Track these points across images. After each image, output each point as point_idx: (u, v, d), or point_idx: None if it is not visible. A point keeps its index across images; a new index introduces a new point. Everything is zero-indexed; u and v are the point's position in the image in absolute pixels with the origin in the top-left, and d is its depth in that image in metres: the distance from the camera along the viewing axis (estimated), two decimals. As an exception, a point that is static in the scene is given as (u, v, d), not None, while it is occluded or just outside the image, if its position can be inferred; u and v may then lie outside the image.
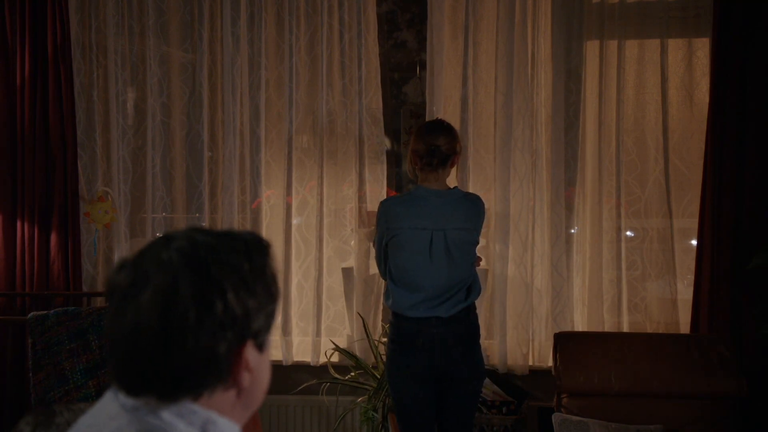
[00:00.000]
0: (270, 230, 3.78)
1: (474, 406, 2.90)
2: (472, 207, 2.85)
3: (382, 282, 3.73)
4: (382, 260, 2.90)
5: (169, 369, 0.93)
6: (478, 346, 2.85)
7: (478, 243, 2.89)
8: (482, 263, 3.45)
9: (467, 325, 2.80)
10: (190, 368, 0.93)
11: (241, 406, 1.01)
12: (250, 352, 0.98)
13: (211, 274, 0.94)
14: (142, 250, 0.98)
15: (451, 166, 2.86)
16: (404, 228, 2.78)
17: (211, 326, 0.93)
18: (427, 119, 3.66)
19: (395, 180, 3.95)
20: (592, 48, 3.66)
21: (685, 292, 3.63)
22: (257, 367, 1.00)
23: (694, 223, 3.54)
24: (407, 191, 2.92)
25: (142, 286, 0.94)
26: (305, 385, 3.69)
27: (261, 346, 1.00)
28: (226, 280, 0.95)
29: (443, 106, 3.66)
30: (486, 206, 3.61)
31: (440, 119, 2.97)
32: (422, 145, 2.81)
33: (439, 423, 2.88)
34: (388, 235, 2.83)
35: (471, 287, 2.82)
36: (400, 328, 2.79)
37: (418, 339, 2.75)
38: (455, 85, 3.68)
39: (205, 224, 3.77)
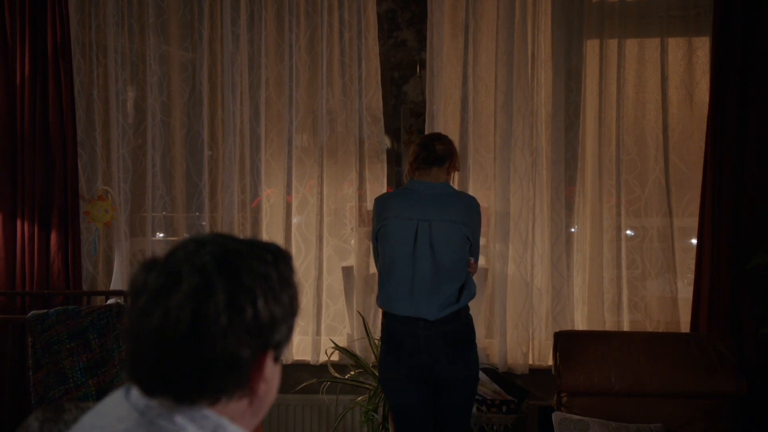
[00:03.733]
0: (270, 229, 3.78)
1: (468, 408, 2.89)
2: (462, 203, 2.83)
3: (382, 281, 3.74)
4: (376, 255, 2.91)
5: (194, 371, 0.93)
6: (472, 346, 2.82)
7: (470, 241, 2.82)
8: (482, 262, 3.41)
9: (457, 327, 2.77)
10: (214, 372, 0.94)
11: (251, 414, 1.02)
12: (268, 362, 0.99)
13: (243, 280, 0.95)
14: (172, 252, 0.98)
15: (447, 171, 2.87)
16: (390, 218, 2.79)
17: (240, 332, 0.94)
18: (426, 118, 3.67)
19: (395, 179, 3.95)
20: (592, 47, 3.66)
21: (685, 291, 3.63)
22: (271, 377, 1.01)
23: (694, 222, 3.54)
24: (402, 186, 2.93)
25: (173, 287, 0.94)
26: (305, 384, 3.69)
27: (277, 358, 1.02)
28: (257, 288, 0.96)
29: (443, 105, 3.66)
30: (486, 205, 3.62)
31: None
32: (417, 146, 2.88)
33: (435, 425, 2.87)
34: (376, 226, 2.84)
35: (462, 289, 2.79)
36: (389, 328, 2.80)
37: (405, 340, 2.74)
38: (455, 84, 3.67)
39: (205, 223, 3.77)
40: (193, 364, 0.93)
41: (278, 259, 1.01)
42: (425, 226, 2.75)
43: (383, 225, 2.81)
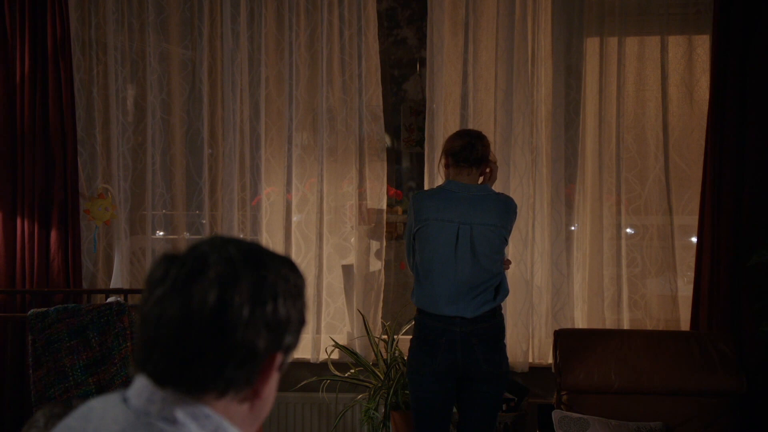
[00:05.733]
0: (270, 227, 3.78)
1: (496, 406, 2.88)
2: (502, 205, 2.83)
3: (382, 279, 3.74)
4: (411, 254, 2.89)
5: (211, 357, 0.95)
6: (503, 345, 2.83)
7: (507, 242, 2.86)
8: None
9: (492, 325, 2.77)
10: (230, 360, 0.95)
11: (251, 419, 1.03)
12: (276, 364, 1.01)
13: (267, 276, 0.98)
14: (197, 245, 1.00)
15: (481, 173, 2.86)
16: (430, 220, 2.77)
17: (259, 324, 0.96)
18: (426, 116, 3.67)
19: (395, 177, 3.95)
20: (592, 45, 3.66)
21: (685, 289, 3.63)
22: (273, 384, 1.03)
23: (694, 220, 3.54)
24: (439, 185, 2.91)
25: (200, 273, 0.95)
26: (305, 382, 3.69)
27: (281, 366, 1.03)
28: (279, 285, 0.99)
29: (443, 103, 3.66)
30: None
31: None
32: (459, 142, 2.82)
33: (461, 421, 2.87)
34: (415, 227, 2.82)
35: (499, 287, 2.80)
36: (423, 325, 2.78)
37: (440, 338, 2.73)
38: (455, 82, 3.67)
39: (205, 221, 3.78)
40: (212, 350, 0.94)
41: (294, 269, 1.04)
42: (466, 229, 2.74)
43: (423, 226, 2.78)
